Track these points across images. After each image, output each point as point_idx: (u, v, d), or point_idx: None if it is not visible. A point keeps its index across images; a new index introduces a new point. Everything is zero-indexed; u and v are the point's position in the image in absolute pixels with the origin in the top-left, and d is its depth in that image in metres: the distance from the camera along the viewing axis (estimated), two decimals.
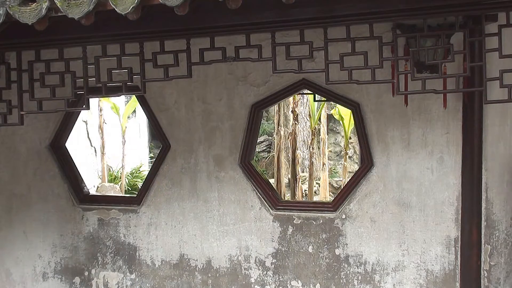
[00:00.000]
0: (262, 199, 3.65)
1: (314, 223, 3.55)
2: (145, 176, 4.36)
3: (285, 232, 3.60)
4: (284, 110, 9.13)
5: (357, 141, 5.75)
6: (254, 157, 3.97)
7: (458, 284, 3.24)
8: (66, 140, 4.22)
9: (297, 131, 8.93)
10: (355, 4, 2.24)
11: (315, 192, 9.79)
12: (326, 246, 3.52)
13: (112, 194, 9.21)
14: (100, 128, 10.29)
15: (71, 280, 4.10)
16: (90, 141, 10.30)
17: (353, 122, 4.39)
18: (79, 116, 4.54)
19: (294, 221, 3.59)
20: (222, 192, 3.73)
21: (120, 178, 10.60)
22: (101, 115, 10.29)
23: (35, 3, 1.94)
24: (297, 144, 9.05)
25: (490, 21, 2.37)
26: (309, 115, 9.97)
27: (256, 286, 3.67)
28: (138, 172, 11.57)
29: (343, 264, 3.48)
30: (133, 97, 9.15)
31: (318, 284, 3.55)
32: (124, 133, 10.65)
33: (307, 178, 9.71)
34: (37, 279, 4.18)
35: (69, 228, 4.09)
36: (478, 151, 3.09)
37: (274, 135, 9.57)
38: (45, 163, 4.11)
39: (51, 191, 4.11)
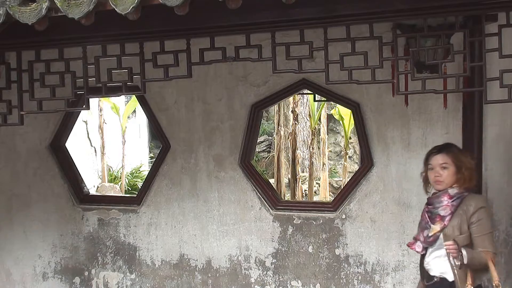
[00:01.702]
0: (262, 199, 3.65)
1: (314, 223, 3.54)
2: (145, 176, 4.37)
3: (285, 232, 3.59)
4: (284, 110, 9.14)
5: (357, 141, 5.76)
6: (254, 157, 3.97)
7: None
8: (66, 140, 4.23)
9: (297, 131, 8.94)
10: (355, 4, 2.23)
11: (315, 192, 9.79)
12: (326, 246, 3.52)
13: (112, 194, 9.21)
14: (100, 128, 10.29)
15: (71, 280, 4.10)
16: (90, 141, 10.30)
17: (353, 122, 4.39)
18: (79, 116, 4.54)
19: (294, 221, 3.59)
20: (222, 192, 3.73)
21: (120, 178, 10.60)
22: (101, 115, 10.29)
23: (35, 3, 1.93)
24: (297, 144, 9.07)
25: (490, 21, 2.37)
26: (309, 115, 9.98)
27: (256, 286, 3.67)
28: (138, 172, 11.57)
29: (343, 264, 3.48)
30: (133, 97, 9.16)
31: (318, 284, 3.55)
32: (124, 133, 10.66)
33: (307, 178, 9.72)
34: (37, 279, 4.18)
35: (69, 228, 4.09)
36: (478, 151, 3.09)
37: (274, 135, 9.58)
38: (45, 163, 4.11)
39: (51, 191, 4.11)
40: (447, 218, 2.59)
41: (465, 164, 2.61)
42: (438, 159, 2.63)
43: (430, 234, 2.64)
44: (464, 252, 2.45)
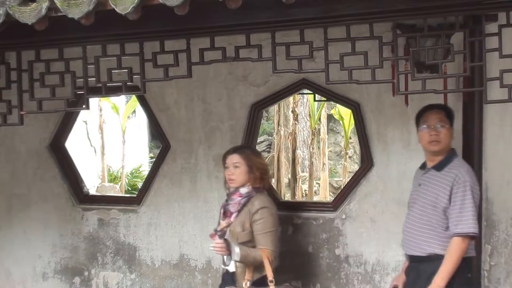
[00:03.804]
0: None
1: (314, 223, 3.54)
2: (145, 176, 4.36)
3: (285, 232, 3.59)
4: (284, 110, 9.13)
5: (357, 141, 5.76)
6: None
7: None
8: (66, 140, 4.22)
9: (297, 131, 8.95)
10: (355, 4, 2.23)
11: (315, 192, 9.79)
12: (326, 246, 3.51)
13: (112, 194, 9.21)
14: (100, 128, 10.29)
15: (71, 280, 4.10)
16: (90, 141, 10.30)
17: (353, 122, 4.39)
18: (79, 116, 4.54)
19: (294, 221, 3.58)
20: (222, 192, 3.70)
21: (120, 178, 10.60)
22: (101, 115, 10.29)
23: (35, 3, 1.94)
24: (297, 144, 9.07)
25: (490, 21, 2.37)
26: (309, 115, 9.98)
27: None
28: (138, 172, 11.57)
29: (343, 264, 3.48)
30: (133, 97, 9.15)
31: (318, 284, 3.54)
32: (124, 133, 10.65)
33: (307, 178, 9.72)
34: (37, 279, 4.18)
35: (69, 228, 4.09)
36: (478, 151, 3.09)
37: (274, 135, 9.58)
38: (45, 163, 4.11)
39: (51, 191, 4.11)
40: (234, 215, 2.85)
41: (256, 164, 2.87)
42: (232, 159, 2.89)
43: (218, 229, 2.90)
44: (237, 249, 2.68)
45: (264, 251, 2.72)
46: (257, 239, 2.77)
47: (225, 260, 2.76)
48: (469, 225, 2.47)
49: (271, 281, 2.68)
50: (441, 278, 2.46)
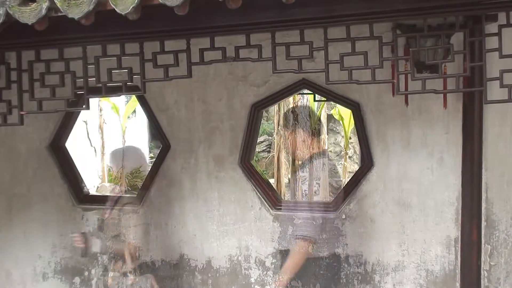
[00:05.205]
0: (262, 199, 3.65)
1: (314, 223, 3.54)
2: (145, 176, 4.36)
3: (285, 232, 3.59)
4: (284, 110, 9.13)
5: (357, 141, 5.76)
6: (254, 157, 3.97)
7: (458, 284, 3.24)
8: (66, 140, 4.22)
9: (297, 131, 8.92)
10: (355, 4, 2.23)
11: (315, 192, 9.77)
12: (326, 246, 3.51)
13: (112, 194, 9.19)
14: (100, 128, 10.29)
15: (71, 280, 4.10)
16: (90, 141, 10.30)
17: (353, 122, 4.39)
18: (79, 116, 4.54)
19: (294, 221, 3.58)
20: (222, 192, 3.73)
21: (120, 178, 10.60)
22: (101, 115, 10.29)
23: (35, 3, 1.94)
24: (297, 144, 9.04)
25: (490, 21, 2.37)
26: (309, 115, 9.97)
27: (256, 286, 3.67)
28: (138, 172, 11.56)
29: (343, 264, 3.48)
30: (133, 97, 9.16)
31: (318, 284, 3.54)
32: (124, 133, 10.66)
33: (307, 178, 9.70)
34: (37, 279, 4.18)
35: (69, 228, 4.09)
36: (478, 151, 3.09)
37: (274, 135, 9.58)
38: (45, 163, 4.11)
39: (51, 191, 4.11)
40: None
41: None
42: None
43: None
44: (98, 241, 3.13)
45: (129, 243, 3.11)
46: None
47: (81, 251, 3.16)
48: None
49: (130, 272, 3.05)
50: None
